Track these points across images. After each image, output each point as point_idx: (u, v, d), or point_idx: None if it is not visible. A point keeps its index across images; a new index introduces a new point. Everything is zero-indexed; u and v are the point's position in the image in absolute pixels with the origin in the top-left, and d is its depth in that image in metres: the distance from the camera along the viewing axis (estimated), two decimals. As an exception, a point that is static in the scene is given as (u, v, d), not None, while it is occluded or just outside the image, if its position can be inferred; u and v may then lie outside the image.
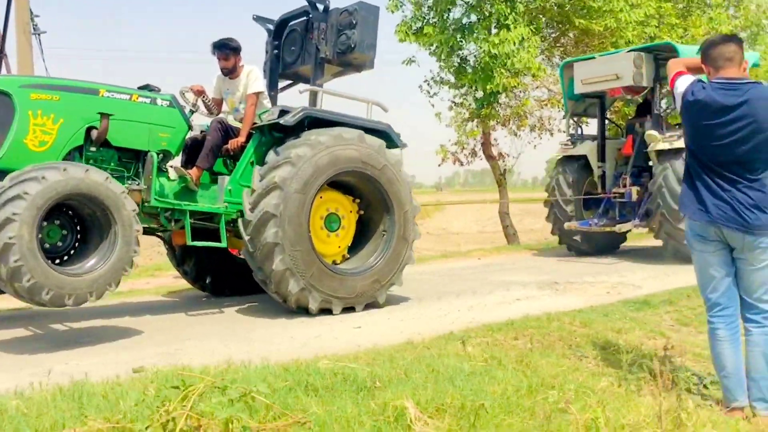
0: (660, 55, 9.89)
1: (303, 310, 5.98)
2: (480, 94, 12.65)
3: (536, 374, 3.73)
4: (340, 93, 6.77)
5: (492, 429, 2.85)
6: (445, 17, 12.34)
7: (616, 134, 12.02)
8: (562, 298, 6.79)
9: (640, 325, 5.36)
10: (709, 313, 3.82)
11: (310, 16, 6.86)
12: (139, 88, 6.04)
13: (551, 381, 3.58)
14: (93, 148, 5.61)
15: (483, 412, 2.89)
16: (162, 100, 5.94)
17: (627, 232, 10.54)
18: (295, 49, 7.22)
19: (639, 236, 11.81)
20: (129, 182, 5.71)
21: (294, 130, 6.16)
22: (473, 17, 12.31)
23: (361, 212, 6.58)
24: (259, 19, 7.44)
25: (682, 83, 3.72)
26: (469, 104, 13.42)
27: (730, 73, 3.60)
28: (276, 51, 7.37)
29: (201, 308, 6.66)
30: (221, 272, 7.28)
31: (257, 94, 6.50)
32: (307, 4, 6.70)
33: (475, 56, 12.69)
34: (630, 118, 11.59)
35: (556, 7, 12.26)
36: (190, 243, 5.84)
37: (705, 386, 4.00)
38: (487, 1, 11.92)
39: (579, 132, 11.17)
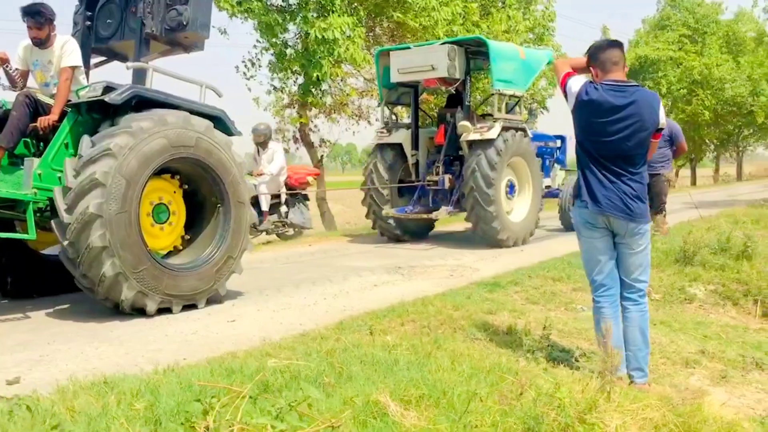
0: (470, 49, 10.28)
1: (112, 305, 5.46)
2: (301, 79, 12.38)
3: (467, 361, 3.82)
4: (172, 72, 6.19)
5: (486, 418, 2.83)
6: None
7: (424, 124, 12.36)
8: (415, 282, 7.01)
9: (500, 306, 5.68)
10: (595, 294, 4.21)
11: None
12: None
13: (484, 366, 3.73)
14: None
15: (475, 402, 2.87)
16: (-46, 70, 5.07)
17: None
18: (111, 22, 6.52)
19: (445, 222, 12.28)
20: None
21: (117, 111, 5.54)
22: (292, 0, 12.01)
23: (186, 186, 6.12)
24: None
25: (575, 83, 4.02)
26: (289, 89, 13.14)
27: (618, 76, 3.97)
28: (88, 23, 6.61)
29: (20, 311, 5.83)
30: (25, 271, 6.40)
31: (73, 68, 5.82)
32: None
33: (298, 40, 12.44)
34: (441, 108, 11.96)
35: None
36: None
37: (576, 359, 4.36)
38: None
39: (394, 120, 11.28)
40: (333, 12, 11.33)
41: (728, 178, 43.43)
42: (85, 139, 5.39)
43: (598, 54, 4.01)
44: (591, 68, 4.05)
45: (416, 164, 10.82)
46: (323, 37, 11.24)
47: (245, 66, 13.40)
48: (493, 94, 10.11)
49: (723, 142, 39.81)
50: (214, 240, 6.06)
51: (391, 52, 10.44)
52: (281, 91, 13.48)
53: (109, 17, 6.50)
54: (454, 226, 12.96)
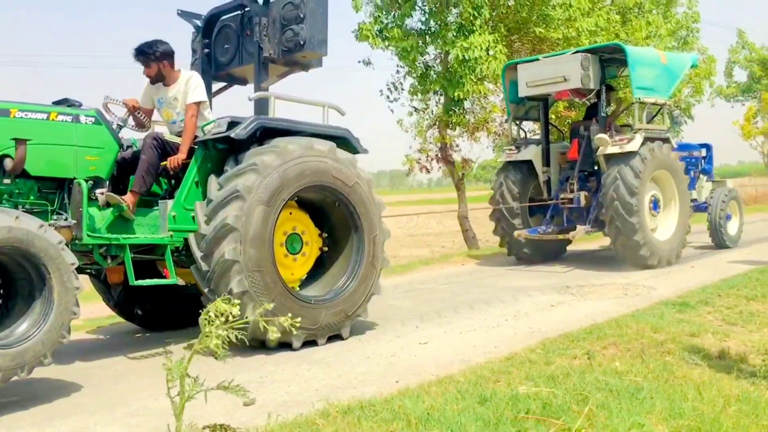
0: (604, 57, 9.65)
1: (258, 343, 5.26)
2: (443, 100, 12.58)
3: (714, 389, 3.70)
4: (293, 97, 6.02)
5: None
6: (404, 22, 12.20)
7: (557, 138, 11.76)
8: (591, 302, 6.93)
9: (699, 327, 5.38)
10: None
11: (247, 9, 6.13)
12: (55, 103, 5.10)
13: (732, 394, 3.62)
14: (7, 180, 4.63)
15: None
16: (86, 117, 5.03)
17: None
18: (229, 47, 6.41)
19: (579, 242, 11.56)
20: (54, 217, 4.79)
21: (244, 144, 5.40)
22: (432, 23, 12.16)
23: (325, 247, 5.99)
24: (184, 14, 6.55)
25: None
26: (431, 110, 13.30)
27: None
28: (207, 50, 6.54)
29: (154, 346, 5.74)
30: (158, 301, 6.37)
31: (198, 104, 5.69)
32: None
33: (439, 62, 12.62)
34: (575, 121, 11.32)
35: (515, 15, 12.33)
36: (133, 283, 4.95)
37: None
38: (451, 6, 11.85)
39: (523, 136, 10.76)
40: (474, 32, 11.29)
41: None
42: (213, 182, 5.31)
43: None
44: None
45: (548, 182, 10.27)
46: (464, 57, 11.16)
47: (389, 89, 13.61)
48: (633, 104, 9.38)
49: None
50: (349, 267, 5.84)
51: (518, 66, 9.98)
52: (423, 112, 13.57)
53: (227, 42, 6.41)
54: (588, 244, 12.21)
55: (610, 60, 9.93)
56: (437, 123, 13.32)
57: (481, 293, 7.73)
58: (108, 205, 5.03)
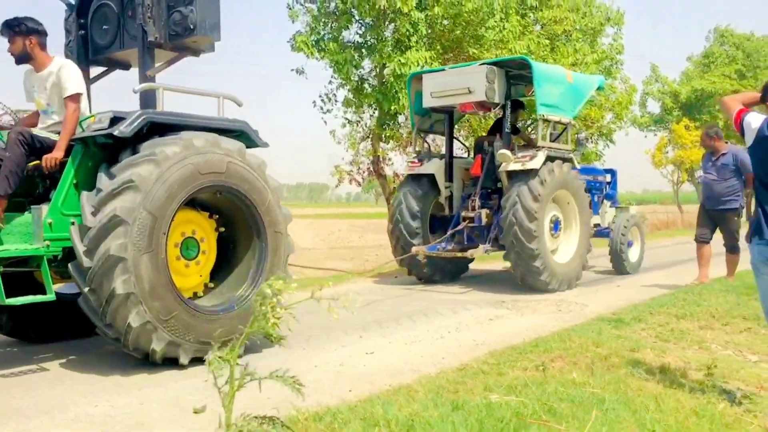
0: (511, 72, 9.50)
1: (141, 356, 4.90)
2: (377, 113, 12.68)
3: (671, 402, 3.93)
4: (185, 88, 5.60)
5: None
6: (340, 35, 12.29)
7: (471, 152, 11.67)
8: (529, 317, 7.16)
9: (636, 343, 5.61)
10: None
11: None
12: None
13: (687, 407, 3.85)
14: None
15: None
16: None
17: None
18: (108, 28, 5.98)
19: (480, 260, 11.38)
20: None
21: (128, 141, 4.97)
22: (368, 37, 12.24)
23: (222, 229, 5.59)
24: None
25: (754, 119, 4.13)
26: (365, 123, 13.45)
27: None
28: (82, 31, 6.09)
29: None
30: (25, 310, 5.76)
31: (78, 96, 5.23)
32: None
33: (375, 75, 12.77)
34: (479, 137, 11.13)
35: (450, 34, 12.52)
36: (4, 302, 4.49)
37: (740, 402, 4.20)
38: (389, 21, 11.93)
39: (428, 149, 10.47)
40: (410, 48, 11.45)
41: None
42: (103, 170, 4.86)
43: None
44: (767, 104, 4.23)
45: (450, 197, 10.02)
46: (401, 72, 11.25)
47: (322, 101, 13.67)
48: (537, 120, 9.22)
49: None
50: (250, 276, 5.52)
51: (424, 75, 9.71)
52: (356, 124, 13.72)
53: (105, 23, 5.96)
54: (491, 264, 12.03)
55: (517, 76, 9.80)
56: (371, 136, 13.35)
57: (420, 305, 7.93)
58: None
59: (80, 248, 4.64)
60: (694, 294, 7.99)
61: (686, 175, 30.05)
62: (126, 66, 6.27)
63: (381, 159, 13.53)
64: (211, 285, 5.57)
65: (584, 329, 6.14)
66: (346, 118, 13.68)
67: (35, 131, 5.09)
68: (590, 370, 4.63)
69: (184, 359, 4.88)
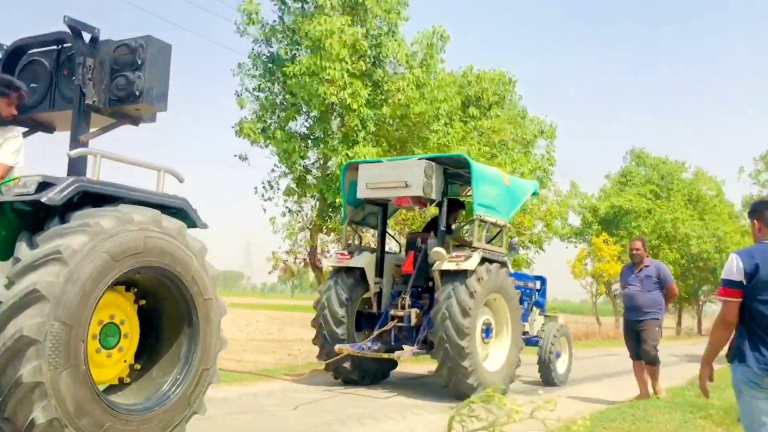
0: (448, 170, 9.40)
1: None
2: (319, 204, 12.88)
3: None
4: (124, 157, 5.12)
5: None
6: (286, 125, 12.55)
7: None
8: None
9: None
10: None
11: (66, 45, 5.33)
12: None
13: None
14: None
15: None
16: None
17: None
18: (38, 87, 5.49)
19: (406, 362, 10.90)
20: None
21: (56, 209, 4.48)
22: (316, 130, 12.56)
23: (142, 302, 5.00)
24: None
25: (730, 272, 4.10)
26: (305, 213, 13.53)
27: None
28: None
29: None
30: None
31: (9, 169, 4.81)
32: (65, 29, 5.16)
33: (318, 167, 12.98)
34: (411, 232, 10.89)
35: (395, 132, 12.87)
36: None
37: None
38: (337, 115, 12.23)
39: (359, 242, 10.12)
40: (358, 143, 11.63)
41: (691, 332, 43.23)
42: (25, 239, 4.32)
43: (765, 210, 4.33)
44: (754, 221, 4.33)
45: (379, 294, 9.62)
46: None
47: (264, 188, 13.70)
48: (473, 220, 9.06)
49: (687, 296, 39.74)
50: (178, 366, 4.95)
51: (360, 165, 9.50)
52: (297, 214, 13.74)
53: (34, 81, 5.48)
54: (415, 367, 11.58)
55: (455, 175, 9.73)
56: (311, 226, 13.39)
57: (366, 408, 7.68)
58: None
59: None
60: (639, 409, 7.98)
61: (604, 287, 30.78)
62: (50, 129, 5.81)
63: (318, 251, 13.55)
64: (138, 366, 4.97)
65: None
66: (287, 207, 13.72)
67: None
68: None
69: None
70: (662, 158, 37.72)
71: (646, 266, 9.01)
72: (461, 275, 8.52)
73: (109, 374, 4.79)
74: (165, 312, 5.05)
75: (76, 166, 5.12)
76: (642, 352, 8.88)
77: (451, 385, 8.52)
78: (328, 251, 14.07)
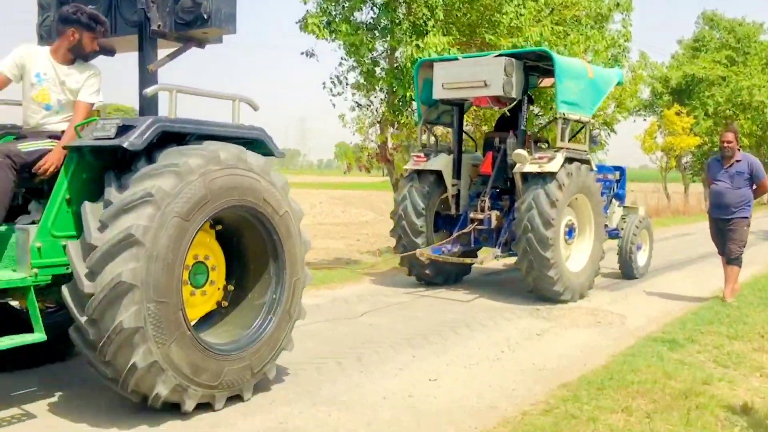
0: (528, 63, 8.92)
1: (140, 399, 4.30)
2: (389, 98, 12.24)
3: None
4: (200, 90, 4.87)
5: None
6: (351, 17, 11.79)
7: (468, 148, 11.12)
8: (573, 332, 7.09)
9: (706, 374, 5.52)
10: None
11: None
12: None
13: None
14: None
15: None
16: None
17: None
18: (97, 8, 5.12)
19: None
20: None
21: (135, 153, 4.31)
22: (382, 19, 11.74)
23: (218, 227, 4.91)
24: None
25: None
26: (375, 108, 12.93)
27: None
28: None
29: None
30: None
31: (91, 106, 4.75)
32: None
33: (386, 58, 12.31)
34: (489, 132, 10.56)
35: (464, 18, 12.09)
36: None
37: None
38: (403, 4, 11.49)
39: (434, 142, 9.89)
40: (427, 32, 10.98)
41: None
42: (111, 179, 4.22)
43: None
44: None
45: (457, 196, 9.46)
46: (419, 57, 10.58)
47: (332, 83, 13.16)
48: (556, 118, 8.68)
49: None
50: (264, 309, 4.93)
51: (435, 63, 9.09)
52: (366, 109, 13.17)
53: (94, 2, 5.16)
54: (490, 263, 11.64)
55: (533, 68, 9.25)
56: (381, 121, 12.95)
57: (456, 314, 7.77)
58: None
59: (81, 270, 4.00)
60: (733, 308, 8.08)
61: (674, 161, 29.82)
62: (111, 52, 5.54)
63: (389, 144, 13.19)
64: (231, 288, 5.00)
65: (643, 353, 6.13)
66: (356, 102, 13.29)
67: (20, 147, 4.43)
68: (684, 418, 4.50)
69: (189, 405, 4.32)
70: (738, 20, 35.29)
71: (738, 161, 8.44)
72: (543, 178, 8.25)
73: (202, 311, 4.83)
74: (244, 234, 4.98)
75: (149, 101, 4.95)
76: (727, 250, 8.60)
77: (530, 279, 8.46)
78: (399, 145, 13.67)
